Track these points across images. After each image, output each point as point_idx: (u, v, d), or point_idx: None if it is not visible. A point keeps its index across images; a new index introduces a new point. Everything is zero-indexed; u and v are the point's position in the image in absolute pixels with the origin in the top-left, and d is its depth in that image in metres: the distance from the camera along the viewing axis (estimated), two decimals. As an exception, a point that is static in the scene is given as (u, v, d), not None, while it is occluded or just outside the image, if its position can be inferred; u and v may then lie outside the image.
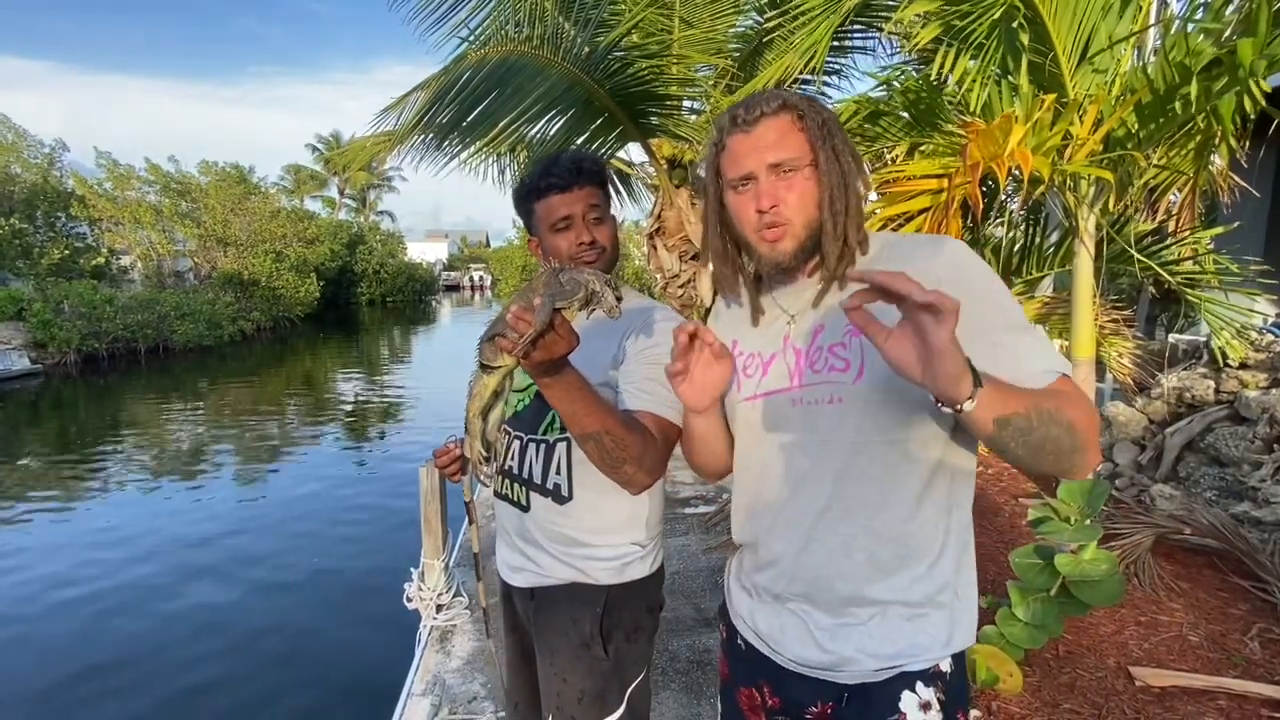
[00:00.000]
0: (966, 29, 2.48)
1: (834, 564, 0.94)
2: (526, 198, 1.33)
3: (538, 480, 1.31)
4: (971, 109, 2.57)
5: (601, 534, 1.30)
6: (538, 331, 0.91)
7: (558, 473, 1.29)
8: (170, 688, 3.78)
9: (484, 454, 1.16)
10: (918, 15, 2.58)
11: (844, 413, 0.92)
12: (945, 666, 0.94)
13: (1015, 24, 2.42)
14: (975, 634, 0.97)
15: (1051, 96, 2.17)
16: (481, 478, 1.24)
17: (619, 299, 0.97)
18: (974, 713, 2.17)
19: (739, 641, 1.09)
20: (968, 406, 0.74)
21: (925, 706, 0.93)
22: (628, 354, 1.22)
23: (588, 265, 1.24)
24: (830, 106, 1.01)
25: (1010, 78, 2.58)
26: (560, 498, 1.29)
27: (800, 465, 0.96)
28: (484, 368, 1.05)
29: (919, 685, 0.93)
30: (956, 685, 0.95)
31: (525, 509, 1.33)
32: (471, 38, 4.73)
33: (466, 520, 1.48)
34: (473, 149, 4.87)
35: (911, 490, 0.92)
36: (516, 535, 1.37)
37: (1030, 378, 0.83)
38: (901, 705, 0.93)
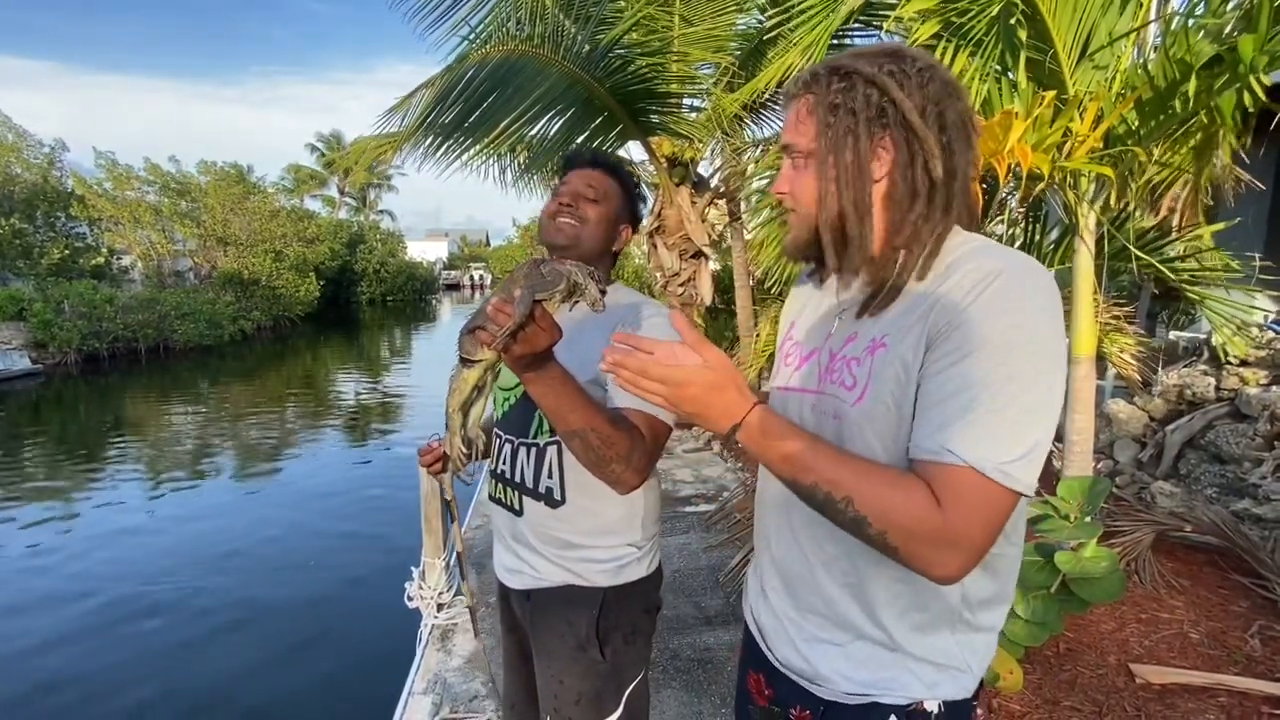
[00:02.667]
0: (965, 26, 2.47)
1: (816, 580, 0.91)
2: (559, 175, 1.37)
3: (529, 484, 1.30)
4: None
5: (596, 536, 1.29)
6: (518, 324, 0.89)
7: (549, 476, 1.28)
8: (170, 685, 3.78)
9: (464, 450, 1.13)
10: (916, 12, 2.58)
11: (840, 432, 0.84)
12: (931, 707, 0.85)
13: (1014, 20, 2.41)
14: (974, 689, 0.88)
15: (1051, 93, 2.17)
16: (463, 476, 1.22)
17: (603, 292, 0.95)
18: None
19: (749, 629, 1.09)
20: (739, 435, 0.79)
21: None
22: None
23: (560, 230, 1.27)
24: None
25: (1009, 74, 2.58)
26: (553, 501, 1.28)
27: None
28: (464, 361, 1.02)
29: (891, 719, 0.87)
30: None
31: (518, 513, 1.32)
32: (472, 35, 4.72)
33: (450, 519, 1.48)
34: (475, 149, 4.87)
35: None
36: (511, 538, 1.36)
37: (933, 451, 0.72)
38: None
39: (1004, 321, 0.73)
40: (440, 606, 3.15)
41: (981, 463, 0.69)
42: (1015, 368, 0.72)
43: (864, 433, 0.82)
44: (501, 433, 1.35)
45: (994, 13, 2.40)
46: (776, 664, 0.98)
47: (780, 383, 1.00)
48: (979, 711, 0.90)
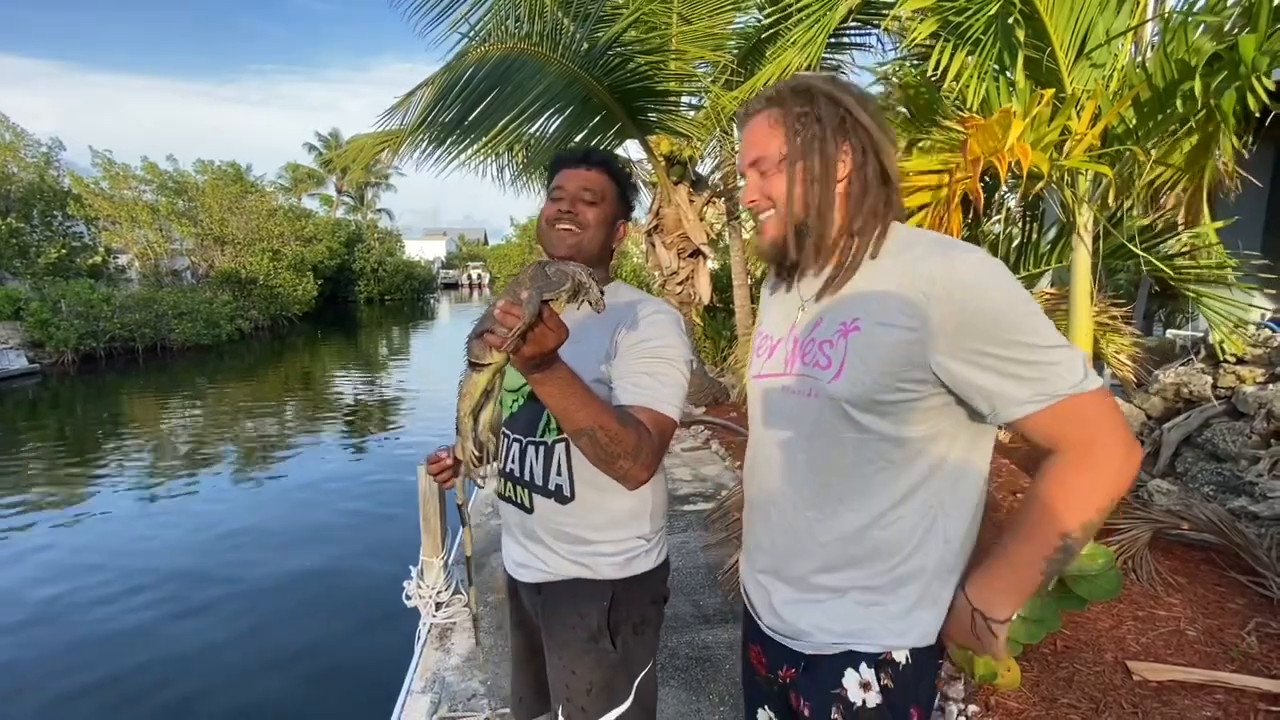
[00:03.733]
0: (963, 25, 2.48)
1: (797, 545, 1.00)
2: (548, 175, 1.36)
3: (539, 482, 1.31)
4: (969, 105, 2.57)
5: (606, 530, 1.31)
6: (527, 325, 0.90)
7: (559, 474, 1.29)
8: (168, 686, 3.78)
9: (476, 455, 1.15)
10: (915, 11, 2.58)
11: (819, 408, 0.95)
12: (899, 657, 0.96)
13: (1012, 20, 2.41)
14: (936, 636, 0.98)
15: (1049, 92, 2.17)
16: (476, 479, 1.23)
17: (602, 292, 0.97)
18: (972, 708, 2.18)
19: (745, 605, 1.15)
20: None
21: (865, 686, 0.96)
22: (619, 348, 1.22)
23: (561, 240, 1.28)
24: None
25: (1008, 73, 2.58)
26: (563, 498, 1.29)
27: (780, 449, 1.02)
28: (473, 365, 1.03)
29: (863, 666, 0.96)
30: (910, 680, 0.96)
31: (529, 511, 1.34)
32: (472, 33, 4.72)
33: (462, 523, 1.48)
34: (474, 149, 4.87)
35: (883, 492, 0.94)
36: (521, 534, 1.38)
37: (1028, 400, 0.84)
38: (844, 680, 0.97)
39: (997, 286, 0.85)
40: (439, 605, 3.14)
41: (1078, 386, 0.83)
42: (1029, 313, 0.85)
43: (839, 404, 0.93)
44: (509, 432, 1.36)
45: (992, 12, 2.40)
46: (766, 630, 1.07)
47: (754, 372, 1.10)
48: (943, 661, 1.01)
